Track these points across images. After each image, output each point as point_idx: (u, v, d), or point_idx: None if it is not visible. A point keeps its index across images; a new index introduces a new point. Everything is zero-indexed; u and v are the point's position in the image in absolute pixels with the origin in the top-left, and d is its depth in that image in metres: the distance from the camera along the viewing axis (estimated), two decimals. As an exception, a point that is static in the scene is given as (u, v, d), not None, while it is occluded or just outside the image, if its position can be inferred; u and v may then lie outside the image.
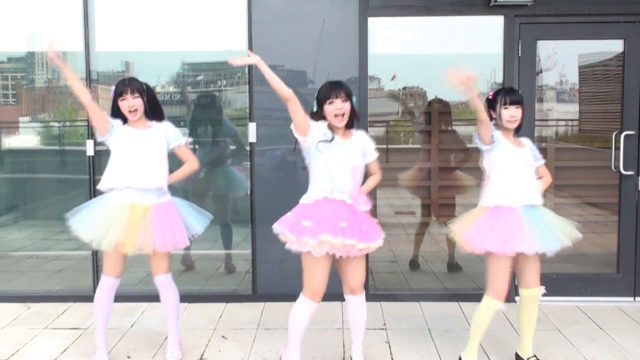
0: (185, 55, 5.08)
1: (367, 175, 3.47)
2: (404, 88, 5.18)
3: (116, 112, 3.45)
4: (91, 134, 4.67)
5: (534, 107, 4.70)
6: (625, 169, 4.70)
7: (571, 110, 5.02)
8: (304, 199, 3.25)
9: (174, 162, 3.59)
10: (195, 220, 3.52)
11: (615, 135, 4.72)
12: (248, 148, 4.72)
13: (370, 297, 4.69)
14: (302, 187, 3.34)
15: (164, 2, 4.90)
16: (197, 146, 5.02)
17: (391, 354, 3.81)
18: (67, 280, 4.97)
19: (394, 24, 4.77)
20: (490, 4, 4.54)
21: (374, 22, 4.64)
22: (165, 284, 3.55)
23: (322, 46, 4.63)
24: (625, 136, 4.69)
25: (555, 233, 3.34)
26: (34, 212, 5.34)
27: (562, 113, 5.05)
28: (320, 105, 3.22)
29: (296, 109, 3.12)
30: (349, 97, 3.22)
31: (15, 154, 5.39)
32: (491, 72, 4.83)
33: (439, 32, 4.85)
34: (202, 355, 3.81)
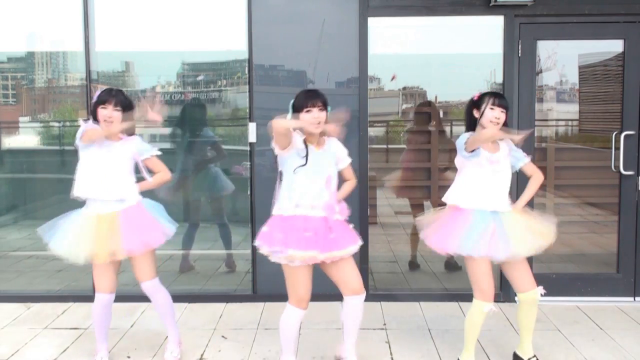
0: (185, 55, 5.08)
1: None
2: (404, 88, 5.18)
3: (92, 115, 3.45)
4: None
5: (534, 107, 4.70)
6: (625, 169, 4.70)
7: (571, 110, 5.02)
8: (276, 210, 3.25)
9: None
10: (165, 220, 3.52)
11: (615, 135, 4.72)
12: (248, 148, 4.73)
13: (370, 297, 4.69)
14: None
15: (164, 2, 4.90)
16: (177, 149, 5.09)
17: (391, 354, 3.82)
18: (67, 280, 4.97)
19: (394, 24, 4.77)
20: (490, 4, 4.54)
21: (374, 22, 4.64)
22: (153, 290, 3.52)
23: (322, 46, 4.63)
24: (625, 136, 4.69)
25: (512, 241, 3.27)
26: (34, 212, 5.34)
27: (562, 113, 5.05)
28: (297, 113, 3.20)
29: (288, 135, 3.12)
30: (325, 106, 3.22)
31: (15, 154, 5.40)
32: (491, 72, 4.83)
33: (439, 32, 4.85)
34: (202, 355, 3.81)
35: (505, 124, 3.39)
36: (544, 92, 4.92)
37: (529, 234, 3.36)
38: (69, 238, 3.34)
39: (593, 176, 4.94)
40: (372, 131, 4.90)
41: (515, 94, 4.65)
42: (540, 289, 3.42)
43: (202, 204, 5.32)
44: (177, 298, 4.69)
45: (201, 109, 5.14)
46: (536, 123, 4.74)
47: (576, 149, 5.03)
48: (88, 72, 4.77)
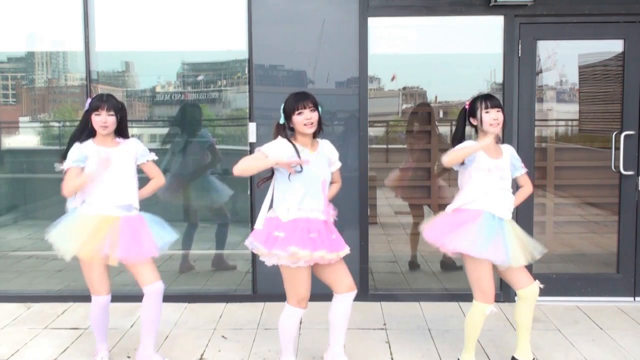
0: (185, 55, 5.08)
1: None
2: (404, 88, 5.18)
3: (85, 123, 3.44)
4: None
5: (534, 107, 4.70)
6: (625, 169, 4.70)
7: (571, 110, 5.02)
8: (272, 213, 3.24)
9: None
10: (163, 233, 3.52)
11: (615, 135, 4.72)
12: (248, 148, 4.73)
13: (370, 297, 4.73)
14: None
15: (164, 2, 4.90)
16: (172, 154, 5.09)
17: (391, 354, 3.82)
18: (67, 280, 4.97)
19: (394, 24, 4.77)
20: (490, 4, 4.54)
21: (374, 22, 4.64)
22: (161, 291, 3.48)
23: (322, 46, 4.63)
24: (625, 136, 4.69)
25: (510, 250, 3.28)
26: (34, 212, 5.34)
27: (562, 113, 5.05)
28: (288, 116, 3.21)
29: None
30: (316, 107, 3.22)
31: (15, 154, 5.40)
32: (491, 72, 4.83)
33: (439, 32, 4.85)
34: (202, 355, 3.81)
35: (504, 124, 3.40)
36: (544, 92, 4.92)
37: (521, 249, 3.35)
38: (64, 230, 3.34)
39: (593, 176, 4.94)
40: (372, 131, 4.90)
41: (515, 94, 4.65)
42: (538, 282, 3.42)
43: (200, 205, 5.32)
44: (177, 298, 4.73)
45: (197, 110, 5.14)
46: (536, 123, 4.74)
47: (576, 149, 5.03)
48: (88, 72, 4.78)
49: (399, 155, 5.20)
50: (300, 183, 3.17)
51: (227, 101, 5.15)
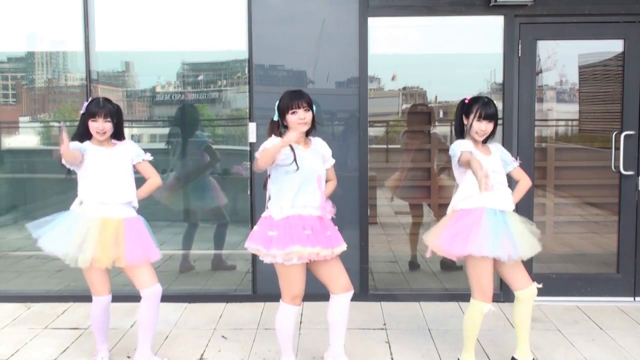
0: (185, 55, 5.08)
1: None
2: (404, 88, 5.18)
3: (82, 127, 3.45)
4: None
5: (534, 107, 4.70)
6: (625, 169, 4.70)
7: (571, 110, 5.02)
8: (266, 212, 3.26)
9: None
10: (154, 239, 3.54)
11: (615, 135, 4.72)
12: (248, 148, 4.73)
13: (370, 297, 4.73)
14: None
15: (164, 2, 4.90)
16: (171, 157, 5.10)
17: (391, 354, 3.82)
18: (67, 280, 4.97)
19: (394, 24, 4.77)
20: (490, 4, 4.54)
21: (374, 22, 4.64)
22: (159, 293, 3.46)
23: (322, 46, 4.63)
24: (625, 136, 4.69)
25: (517, 241, 3.28)
26: (34, 212, 5.33)
27: (562, 113, 5.05)
28: (282, 114, 3.22)
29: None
30: (310, 106, 3.22)
31: (15, 154, 5.40)
32: (491, 72, 4.83)
33: (439, 32, 4.85)
34: (202, 355, 3.81)
35: (494, 131, 3.39)
36: (544, 92, 4.92)
37: (530, 234, 3.38)
38: (69, 240, 3.32)
39: (593, 176, 4.95)
40: (372, 131, 4.90)
41: (515, 94, 4.65)
42: (536, 284, 3.42)
43: (198, 208, 5.31)
44: (177, 298, 4.73)
45: (195, 111, 5.14)
46: (536, 123, 4.74)
47: (576, 149, 5.03)
48: (88, 72, 4.78)
49: (399, 155, 5.21)
50: (295, 180, 3.17)
51: (227, 101, 5.15)
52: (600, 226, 5.00)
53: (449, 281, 4.98)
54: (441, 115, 5.18)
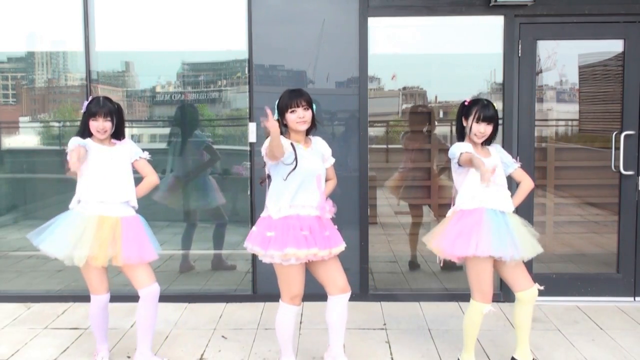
0: (185, 55, 5.08)
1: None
2: (404, 88, 5.18)
3: (83, 126, 3.45)
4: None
5: (534, 107, 4.70)
6: (625, 169, 4.70)
7: (571, 110, 5.02)
8: (265, 212, 3.27)
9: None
10: (154, 239, 3.54)
11: (615, 135, 4.72)
12: (248, 148, 4.73)
13: (370, 297, 4.73)
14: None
15: (164, 2, 4.90)
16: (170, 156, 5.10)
17: (391, 354, 3.82)
18: (67, 280, 4.97)
19: (394, 24, 4.77)
20: (490, 4, 4.54)
21: (374, 22, 4.64)
22: (157, 293, 3.46)
23: (322, 46, 4.63)
24: (625, 136, 4.69)
25: (519, 242, 3.29)
26: (34, 212, 5.33)
27: (562, 113, 5.05)
28: (282, 113, 3.22)
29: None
30: (309, 105, 3.22)
31: (15, 154, 5.39)
32: (491, 72, 4.83)
33: (439, 32, 4.85)
34: (202, 355, 3.81)
35: (495, 131, 3.38)
36: (544, 92, 4.92)
37: (531, 236, 3.39)
38: (67, 240, 3.32)
39: (593, 176, 4.95)
40: (372, 131, 4.90)
41: (515, 94, 4.65)
42: (538, 285, 3.42)
43: (197, 207, 5.31)
44: (177, 298, 4.73)
45: (195, 111, 5.14)
46: (536, 123, 4.74)
47: (576, 149, 5.03)
48: (88, 72, 4.78)
49: (399, 155, 5.21)
50: (295, 179, 3.17)
51: (227, 101, 5.15)
52: (600, 226, 5.00)
53: (449, 281, 4.98)
54: (441, 115, 5.18)
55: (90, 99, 3.53)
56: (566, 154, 5.02)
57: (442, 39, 4.88)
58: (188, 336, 4.09)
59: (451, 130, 5.15)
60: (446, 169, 5.02)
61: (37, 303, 4.76)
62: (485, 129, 3.33)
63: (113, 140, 3.53)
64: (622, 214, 4.77)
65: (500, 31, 4.63)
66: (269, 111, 3.00)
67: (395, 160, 5.23)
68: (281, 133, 3.22)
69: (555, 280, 4.70)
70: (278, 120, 3.25)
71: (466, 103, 3.43)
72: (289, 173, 3.16)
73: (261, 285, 4.77)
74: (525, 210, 4.54)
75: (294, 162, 3.15)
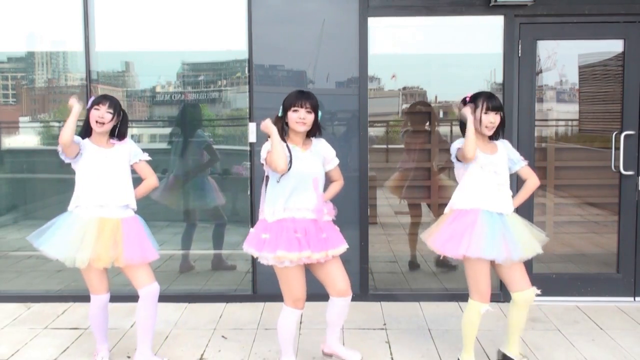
0: (185, 55, 5.08)
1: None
2: (404, 88, 5.18)
3: (86, 124, 3.44)
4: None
5: (534, 107, 4.70)
6: (625, 169, 4.70)
7: (571, 110, 5.02)
8: (261, 214, 3.28)
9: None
10: (152, 239, 3.54)
11: (615, 135, 4.72)
12: (248, 148, 4.73)
13: (370, 297, 4.73)
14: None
15: (164, 2, 4.90)
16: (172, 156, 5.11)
17: (391, 354, 3.82)
18: (67, 280, 4.97)
19: (394, 24, 4.77)
20: (490, 4, 4.54)
21: (374, 22, 4.64)
22: (155, 294, 3.45)
23: (322, 46, 4.63)
24: (625, 136, 4.69)
25: (516, 243, 3.28)
26: (34, 212, 5.34)
27: (562, 113, 5.05)
28: (285, 111, 3.22)
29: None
30: (314, 109, 3.21)
31: (15, 154, 5.40)
32: (491, 72, 4.83)
33: (439, 32, 4.85)
34: (202, 355, 3.81)
35: (502, 122, 3.39)
36: (544, 92, 4.92)
37: (531, 236, 3.38)
38: (68, 242, 3.32)
39: (593, 176, 4.94)
40: (372, 131, 4.90)
41: (515, 94, 4.65)
42: (535, 289, 3.40)
43: (196, 208, 5.31)
44: (177, 298, 4.73)
45: (196, 110, 5.15)
46: (536, 123, 4.74)
47: (576, 149, 5.03)
48: (88, 72, 4.78)
49: (399, 155, 5.21)
50: (289, 182, 3.17)
51: (227, 101, 5.15)
52: (600, 226, 5.00)
53: (449, 281, 4.98)
54: (441, 115, 5.18)
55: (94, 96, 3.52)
56: (566, 154, 5.02)
57: (442, 39, 4.88)
58: (188, 336, 4.09)
59: (451, 130, 5.15)
60: (445, 168, 5.02)
61: (37, 303, 4.76)
62: (494, 118, 3.32)
63: (112, 141, 3.51)
64: (622, 214, 4.77)
65: (500, 31, 4.63)
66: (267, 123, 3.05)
67: (395, 160, 5.23)
68: (283, 132, 3.21)
69: (555, 280, 4.70)
70: (281, 118, 3.24)
71: (467, 99, 3.42)
72: (282, 176, 3.16)
73: (261, 285, 4.77)
74: (525, 210, 4.54)
75: (288, 165, 3.14)
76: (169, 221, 5.30)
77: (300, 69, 4.68)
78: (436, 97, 5.13)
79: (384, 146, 5.23)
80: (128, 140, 3.60)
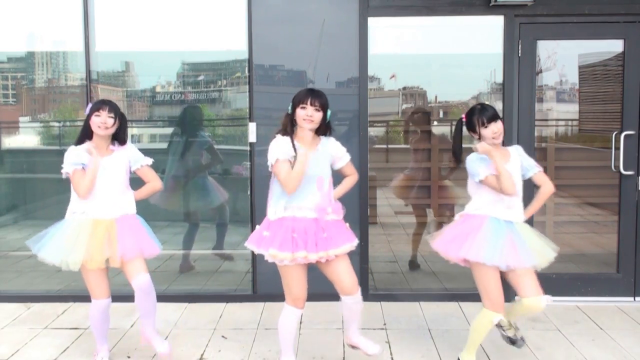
0: (185, 55, 5.08)
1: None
2: (404, 88, 5.18)
3: (86, 131, 3.43)
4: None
5: (534, 107, 4.70)
6: (625, 169, 4.70)
7: (571, 110, 5.02)
8: (267, 213, 3.28)
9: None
10: (153, 236, 3.54)
11: (615, 135, 4.72)
12: (248, 148, 4.73)
13: (370, 297, 4.72)
14: (302, 187, 3.33)
15: (164, 2, 4.90)
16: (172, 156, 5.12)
17: (391, 354, 3.81)
18: (67, 280, 4.96)
19: (394, 24, 4.77)
20: (490, 4, 4.54)
21: (374, 22, 4.64)
22: (149, 285, 3.43)
23: (322, 46, 4.63)
24: (625, 136, 4.69)
25: (525, 251, 3.25)
26: (34, 212, 5.34)
27: (562, 113, 5.05)
28: (294, 108, 3.21)
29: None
30: (323, 108, 3.20)
31: (15, 154, 5.40)
32: (491, 72, 4.83)
33: (439, 32, 4.85)
34: (202, 355, 3.81)
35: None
36: (544, 92, 4.92)
37: (543, 244, 3.36)
38: (62, 245, 3.31)
39: (593, 176, 4.94)
40: (372, 131, 4.90)
41: (515, 94, 4.65)
42: (546, 299, 3.30)
43: (197, 209, 5.31)
44: (177, 298, 4.73)
45: (198, 111, 5.15)
46: (536, 123, 4.74)
47: (576, 149, 5.03)
48: (88, 72, 4.78)
49: (399, 155, 5.21)
50: None
51: (227, 101, 5.15)
52: (600, 226, 5.00)
53: (449, 281, 4.98)
54: (441, 115, 5.18)
55: (93, 101, 3.52)
56: (566, 154, 5.01)
57: (442, 39, 4.88)
58: (188, 336, 4.09)
59: (451, 130, 5.14)
60: (453, 169, 5.01)
61: (37, 303, 4.76)
62: (496, 127, 3.28)
63: (111, 147, 3.49)
64: (622, 214, 4.77)
65: (500, 31, 4.63)
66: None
67: (395, 160, 5.23)
68: (292, 130, 3.20)
69: (555, 280, 4.69)
70: (290, 115, 3.23)
71: (463, 118, 3.40)
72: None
73: (261, 285, 4.77)
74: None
75: (294, 156, 3.13)
76: (169, 221, 5.31)
77: (300, 69, 4.68)
78: (436, 97, 5.13)
79: (384, 146, 5.23)
80: (128, 145, 3.57)
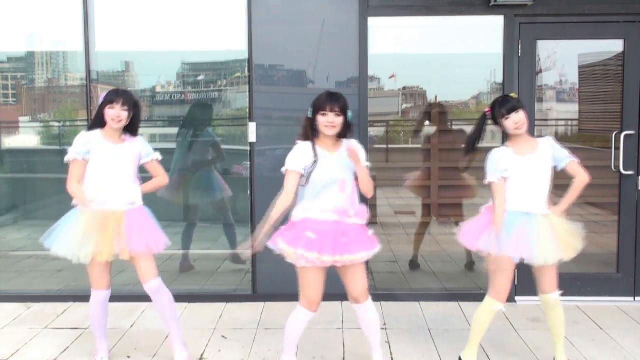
0: (185, 55, 5.08)
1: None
2: (404, 88, 5.18)
3: (99, 119, 3.43)
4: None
5: (534, 107, 4.70)
6: (625, 169, 4.70)
7: (571, 110, 5.02)
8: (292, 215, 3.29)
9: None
10: (162, 229, 3.55)
11: (615, 135, 4.72)
12: (248, 148, 4.73)
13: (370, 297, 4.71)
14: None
15: (164, 2, 4.90)
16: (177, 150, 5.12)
17: (391, 354, 3.81)
18: (67, 280, 4.97)
19: (394, 24, 4.77)
20: (490, 4, 4.54)
21: (374, 22, 4.64)
22: (157, 289, 3.48)
23: (322, 46, 4.63)
24: (625, 136, 4.69)
25: (540, 245, 3.27)
26: (34, 212, 5.34)
27: (562, 113, 5.05)
28: (315, 113, 3.21)
29: None
30: (343, 111, 3.20)
31: (15, 154, 5.40)
32: (491, 72, 4.83)
33: (439, 32, 4.85)
34: (202, 355, 3.81)
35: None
36: (544, 92, 4.92)
37: (556, 242, 3.32)
38: (72, 239, 3.32)
39: (593, 176, 4.89)
40: (372, 131, 4.89)
41: (515, 93, 4.64)
42: (557, 292, 3.45)
43: (200, 204, 5.31)
44: (177, 298, 4.68)
45: (203, 110, 5.15)
46: (536, 123, 4.74)
47: (576, 149, 5.00)
48: (88, 72, 4.77)
49: (399, 155, 5.20)
50: (315, 185, 3.17)
51: (227, 101, 5.15)
52: (600, 226, 4.99)
53: (449, 281, 4.98)
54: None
55: (109, 90, 3.48)
56: (566, 154, 5.00)
57: (442, 39, 4.88)
58: (188, 336, 4.08)
59: (451, 130, 5.14)
60: (468, 168, 5.00)
61: (37, 303, 4.76)
62: (517, 117, 3.29)
63: (123, 137, 3.49)
64: (622, 214, 4.77)
65: (500, 31, 4.63)
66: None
67: (395, 160, 5.22)
68: (313, 135, 3.21)
69: (555, 280, 4.69)
70: (311, 119, 3.22)
71: (487, 112, 3.43)
72: (306, 180, 3.18)
73: (261, 285, 4.77)
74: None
75: (314, 166, 3.15)
76: (169, 221, 5.29)
77: (300, 69, 4.68)
78: (436, 97, 5.13)
79: (384, 146, 5.23)
80: (139, 138, 3.57)
